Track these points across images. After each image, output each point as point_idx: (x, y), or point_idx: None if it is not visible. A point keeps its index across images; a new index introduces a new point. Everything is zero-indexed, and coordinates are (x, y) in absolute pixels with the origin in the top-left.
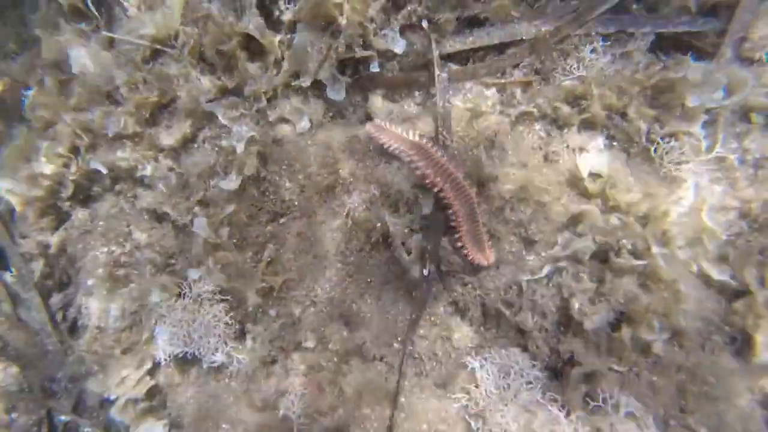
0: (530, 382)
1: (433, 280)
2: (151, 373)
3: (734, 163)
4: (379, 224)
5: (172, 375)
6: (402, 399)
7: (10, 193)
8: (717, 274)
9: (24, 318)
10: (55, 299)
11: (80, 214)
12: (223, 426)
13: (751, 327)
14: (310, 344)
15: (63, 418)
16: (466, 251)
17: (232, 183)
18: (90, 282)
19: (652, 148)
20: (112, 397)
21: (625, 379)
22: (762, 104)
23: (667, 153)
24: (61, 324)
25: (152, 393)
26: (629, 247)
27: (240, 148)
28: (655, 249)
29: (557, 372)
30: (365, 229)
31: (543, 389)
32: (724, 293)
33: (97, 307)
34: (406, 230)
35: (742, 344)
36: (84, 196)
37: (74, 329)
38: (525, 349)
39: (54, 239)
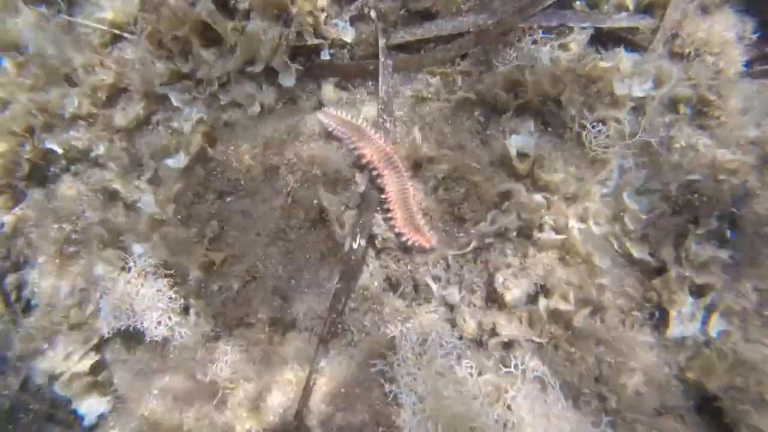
0: (448, 352)
1: (364, 254)
2: (98, 349)
3: (658, 149)
4: (316, 201)
5: (119, 351)
6: (323, 365)
7: None
8: (637, 252)
9: None
10: (10, 279)
11: (36, 194)
12: (154, 392)
13: (666, 302)
14: (251, 319)
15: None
16: (404, 235)
17: (179, 162)
18: (41, 259)
19: (584, 134)
20: (57, 372)
21: (543, 350)
22: (688, 96)
23: (595, 137)
24: (15, 305)
25: (98, 369)
26: (551, 223)
27: (187, 127)
28: (572, 224)
29: (480, 343)
30: (305, 207)
31: (460, 357)
32: (646, 272)
33: (48, 285)
34: (342, 207)
35: (661, 320)
36: (41, 177)
37: (28, 310)
38: (454, 324)
39: (7, 218)
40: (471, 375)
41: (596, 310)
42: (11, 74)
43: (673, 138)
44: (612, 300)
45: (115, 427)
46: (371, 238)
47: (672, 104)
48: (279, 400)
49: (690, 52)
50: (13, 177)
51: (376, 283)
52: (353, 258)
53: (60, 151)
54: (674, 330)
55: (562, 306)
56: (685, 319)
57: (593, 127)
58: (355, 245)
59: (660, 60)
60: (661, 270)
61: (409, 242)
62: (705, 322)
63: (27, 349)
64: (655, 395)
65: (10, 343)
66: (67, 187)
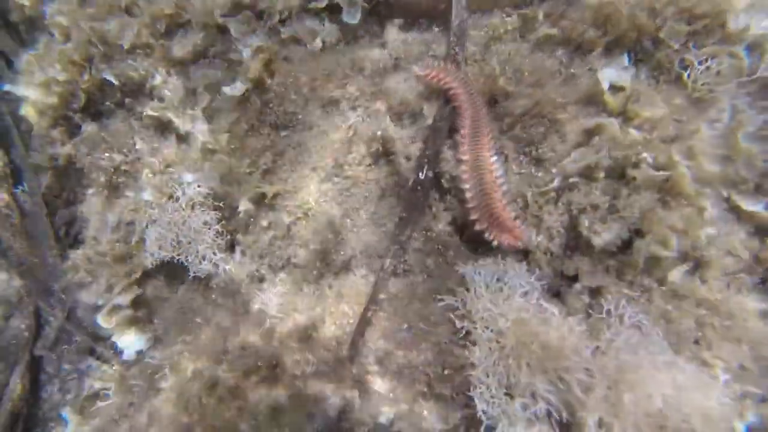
0: (526, 291)
1: (430, 188)
2: (141, 284)
3: None
4: (380, 133)
5: (161, 288)
6: (383, 297)
7: (26, 101)
8: (750, 204)
9: (30, 230)
10: (62, 214)
11: (90, 127)
12: (197, 320)
13: None
14: (299, 260)
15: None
16: (486, 231)
17: (236, 89)
18: (90, 191)
19: (684, 75)
20: (100, 303)
21: (635, 305)
22: None
23: (701, 73)
24: (65, 239)
25: (140, 304)
26: (650, 160)
27: (247, 53)
28: (679, 159)
29: (558, 293)
30: (366, 141)
31: (541, 299)
32: (759, 230)
33: (96, 217)
34: (408, 141)
35: None
36: (95, 111)
37: (77, 245)
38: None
39: (62, 151)
40: (558, 314)
41: (696, 267)
42: (74, 2)
43: None
44: (718, 256)
45: (156, 353)
46: (436, 177)
47: None
48: (332, 332)
49: None
50: (69, 108)
51: (440, 225)
52: (420, 189)
53: (116, 82)
54: None
55: (663, 252)
56: None
57: (700, 63)
58: (422, 176)
59: None
60: None
61: (493, 240)
62: None
63: (72, 281)
64: (762, 377)
65: (58, 276)
66: (120, 121)
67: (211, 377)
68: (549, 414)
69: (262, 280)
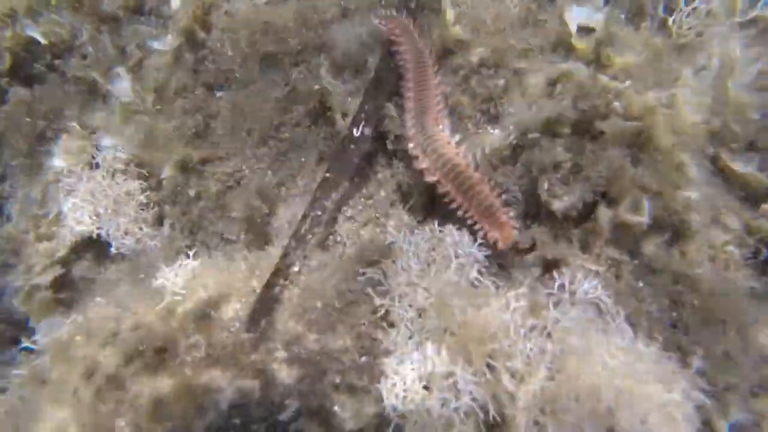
0: (462, 263)
1: (368, 149)
2: (65, 263)
3: None
4: (318, 87)
5: (88, 269)
6: (296, 270)
7: None
8: (742, 165)
9: None
10: None
11: (20, 92)
12: (96, 298)
13: None
14: (231, 235)
15: None
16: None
17: (165, 44)
18: (13, 162)
19: (670, 18)
20: (18, 284)
21: (599, 280)
22: None
23: (687, 16)
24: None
25: (63, 287)
26: (621, 110)
27: (176, 3)
28: (653, 104)
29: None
30: (304, 98)
31: (483, 273)
32: (751, 195)
33: (20, 192)
34: (348, 97)
35: None
36: (25, 75)
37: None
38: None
39: None
40: (495, 287)
41: (674, 237)
42: None
43: None
44: (700, 225)
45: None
46: (381, 137)
47: None
48: (236, 310)
49: None
50: None
51: (383, 192)
52: (353, 147)
53: (44, 41)
54: None
55: (632, 218)
56: None
57: (686, 3)
58: (356, 132)
59: None
60: None
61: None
62: None
63: None
64: (752, 366)
65: None
66: (51, 87)
67: (91, 363)
68: (473, 411)
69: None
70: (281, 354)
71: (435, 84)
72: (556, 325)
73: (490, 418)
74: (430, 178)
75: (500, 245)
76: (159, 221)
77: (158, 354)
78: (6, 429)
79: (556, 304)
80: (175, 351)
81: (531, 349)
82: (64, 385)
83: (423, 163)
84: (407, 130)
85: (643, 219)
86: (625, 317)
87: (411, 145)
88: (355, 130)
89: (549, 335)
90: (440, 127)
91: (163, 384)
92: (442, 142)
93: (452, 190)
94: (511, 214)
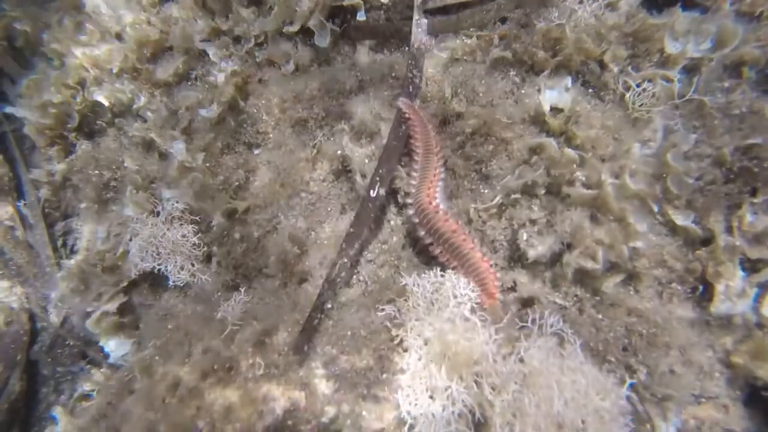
0: (459, 302)
1: (383, 204)
2: (127, 292)
3: (713, 112)
4: (340, 152)
5: (146, 295)
6: (329, 307)
7: (26, 121)
8: (681, 219)
9: (30, 241)
10: (58, 226)
11: (84, 146)
12: (168, 326)
13: (711, 275)
14: (270, 271)
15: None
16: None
17: (211, 111)
18: (82, 205)
19: (627, 95)
20: (89, 309)
21: (566, 313)
22: (755, 58)
23: (639, 95)
24: (61, 249)
25: (125, 310)
26: (583, 179)
27: (221, 78)
28: (606, 178)
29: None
30: (329, 158)
31: (474, 309)
32: (689, 243)
33: (88, 230)
34: (365, 159)
35: (705, 295)
36: (89, 131)
37: (72, 254)
38: None
39: (59, 167)
40: (483, 323)
41: (630, 278)
42: (69, 31)
43: (732, 103)
44: (648, 268)
45: (131, 357)
46: (393, 193)
47: (734, 68)
48: (284, 338)
49: (763, 12)
50: (64, 128)
51: (395, 238)
52: (371, 206)
53: (106, 103)
54: (720, 306)
55: (588, 264)
56: (733, 295)
57: (638, 86)
58: (373, 193)
59: (723, 19)
60: (707, 241)
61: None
62: (758, 300)
63: (66, 289)
64: (695, 379)
65: (55, 285)
66: (111, 139)
67: (174, 378)
68: (464, 414)
69: (236, 287)
70: (321, 371)
71: (436, 164)
72: (526, 351)
73: (476, 419)
74: (429, 248)
75: (485, 307)
76: (208, 259)
77: (227, 371)
78: (101, 427)
79: (527, 336)
80: (239, 369)
81: (505, 370)
82: (152, 393)
83: (421, 232)
84: (410, 201)
85: (597, 266)
86: (581, 344)
87: (410, 212)
88: (371, 192)
89: (521, 360)
90: (437, 201)
91: (232, 394)
92: (437, 217)
93: (449, 258)
94: (497, 282)
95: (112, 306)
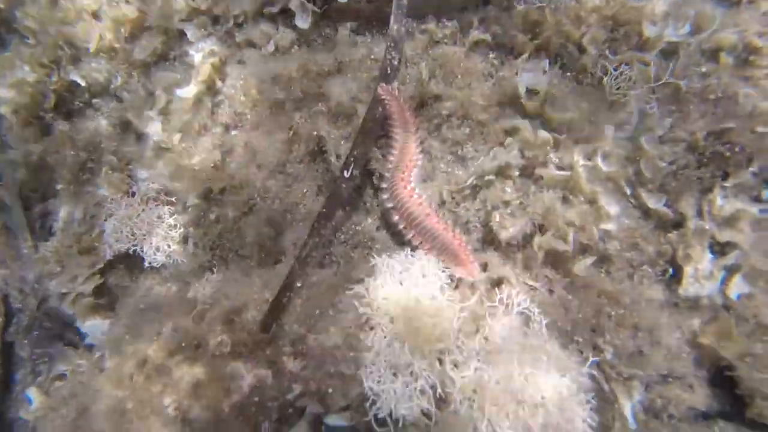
0: (429, 281)
1: (357, 186)
2: (103, 273)
3: (689, 96)
4: (316, 133)
5: (122, 277)
6: (300, 285)
7: (0, 100)
8: (653, 202)
9: (8, 224)
10: (37, 209)
11: (61, 126)
12: (140, 306)
13: (681, 258)
14: (245, 252)
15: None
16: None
17: (188, 92)
18: (59, 186)
19: (605, 78)
20: (64, 291)
21: (536, 294)
22: (732, 43)
23: (616, 79)
24: (40, 232)
25: (102, 293)
26: (557, 161)
27: (198, 58)
28: (578, 158)
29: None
30: (305, 140)
31: (443, 288)
32: (661, 226)
33: (64, 211)
34: (341, 141)
35: (675, 278)
36: (66, 110)
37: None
38: None
39: (35, 149)
40: (450, 303)
41: (601, 260)
42: (44, 7)
43: (708, 87)
44: (619, 250)
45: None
46: (369, 174)
47: (712, 53)
48: (253, 316)
49: None
50: (41, 108)
51: (370, 220)
52: (344, 186)
53: (83, 83)
54: (688, 288)
55: (559, 246)
56: (701, 277)
57: (615, 69)
58: (346, 174)
59: (702, 3)
60: (678, 225)
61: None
62: (725, 282)
63: (43, 271)
64: (663, 360)
65: (32, 267)
66: (89, 120)
67: (142, 356)
68: (426, 390)
69: (212, 269)
70: (288, 349)
71: (414, 147)
72: (491, 330)
73: (437, 395)
74: (403, 231)
75: (471, 279)
76: (184, 240)
77: (195, 349)
78: (71, 405)
79: (492, 315)
80: (207, 347)
81: (468, 348)
82: (120, 371)
83: (395, 217)
84: (384, 186)
85: (567, 247)
86: (548, 324)
87: (385, 197)
88: (345, 172)
89: (486, 339)
90: (412, 185)
91: (199, 371)
92: (412, 201)
93: (423, 241)
94: (471, 254)
95: (88, 287)
